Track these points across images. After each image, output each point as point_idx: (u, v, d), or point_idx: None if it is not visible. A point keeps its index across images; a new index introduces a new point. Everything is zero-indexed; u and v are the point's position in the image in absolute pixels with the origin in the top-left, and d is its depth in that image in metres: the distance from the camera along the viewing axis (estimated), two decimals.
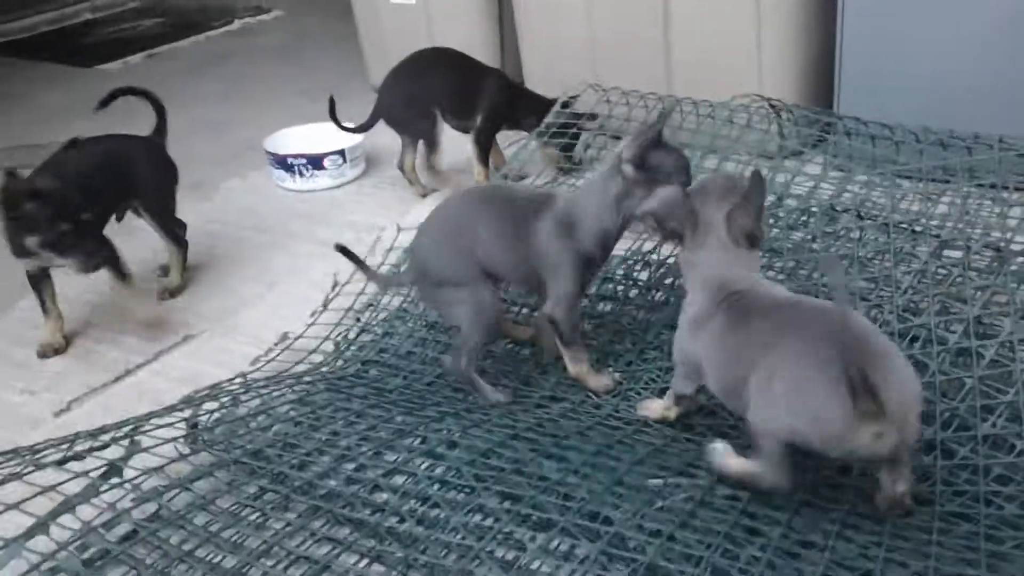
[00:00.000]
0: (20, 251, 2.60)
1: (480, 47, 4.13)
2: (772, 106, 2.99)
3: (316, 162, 3.59)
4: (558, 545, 1.73)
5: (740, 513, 1.76)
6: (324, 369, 2.45)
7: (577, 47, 3.72)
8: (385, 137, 3.46)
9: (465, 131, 3.45)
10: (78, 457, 1.95)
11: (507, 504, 1.82)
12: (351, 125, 3.44)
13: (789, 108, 3.00)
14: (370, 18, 4.43)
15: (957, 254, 2.24)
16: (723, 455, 1.84)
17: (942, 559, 1.62)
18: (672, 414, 2.10)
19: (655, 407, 2.13)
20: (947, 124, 2.72)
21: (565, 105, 3.31)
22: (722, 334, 1.85)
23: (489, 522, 1.80)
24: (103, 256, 2.68)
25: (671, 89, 3.45)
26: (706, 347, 1.89)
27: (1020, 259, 2.17)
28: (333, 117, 3.39)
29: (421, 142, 3.38)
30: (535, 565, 1.69)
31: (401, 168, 3.46)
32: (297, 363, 2.47)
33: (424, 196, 3.44)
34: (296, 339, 2.57)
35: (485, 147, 3.43)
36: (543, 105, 3.42)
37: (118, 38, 6.09)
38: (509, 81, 3.54)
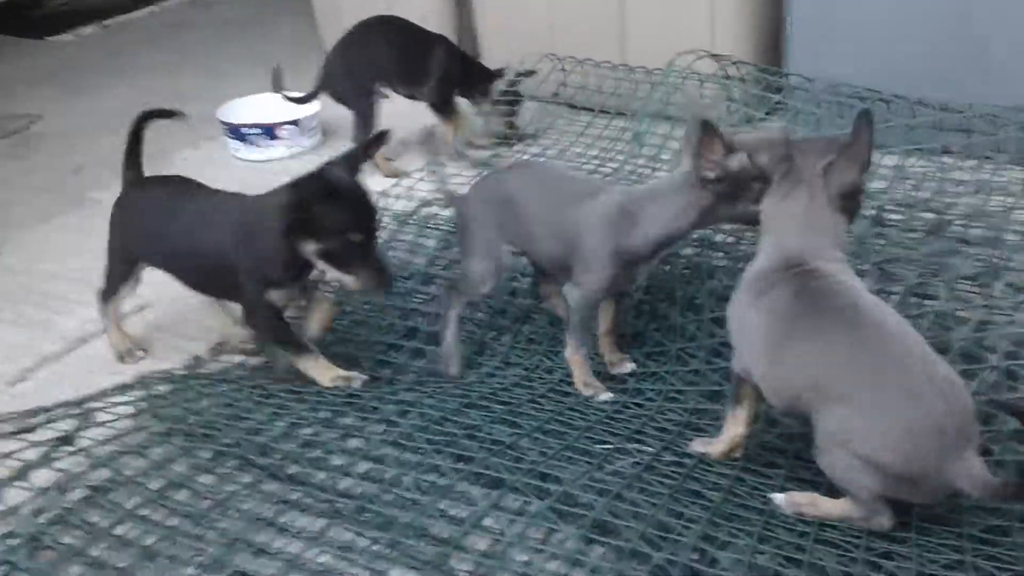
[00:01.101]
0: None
1: (436, 17, 4.13)
2: (717, 60, 3.03)
3: (270, 132, 3.59)
4: (511, 503, 1.76)
5: (685, 478, 1.80)
6: None
7: (533, 17, 3.74)
8: (341, 107, 3.46)
9: (414, 98, 3.45)
10: (30, 429, 1.97)
11: (460, 465, 1.86)
12: (295, 95, 3.44)
13: (734, 63, 3.04)
14: None
15: (899, 217, 2.28)
16: (802, 502, 1.71)
17: None
18: (741, 427, 1.83)
19: (718, 443, 1.87)
20: (892, 88, 2.77)
21: (513, 82, 3.34)
22: (784, 312, 1.68)
23: (443, 482, 1.83)
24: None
25: (625, 58, 3.49)
26: (762, 319, 1.71)
27: (958, 223, 2.22)
28: (277, 87, 3.40)
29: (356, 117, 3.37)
30: (487, 521, 1.72)
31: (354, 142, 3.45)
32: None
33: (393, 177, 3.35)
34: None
35: (444, 109, 3.44)
36: (488, 75, 3.44)
37: (70, 10, 6.02)
38: (456, 48, 3.55)
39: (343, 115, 3.48)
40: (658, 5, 3.45)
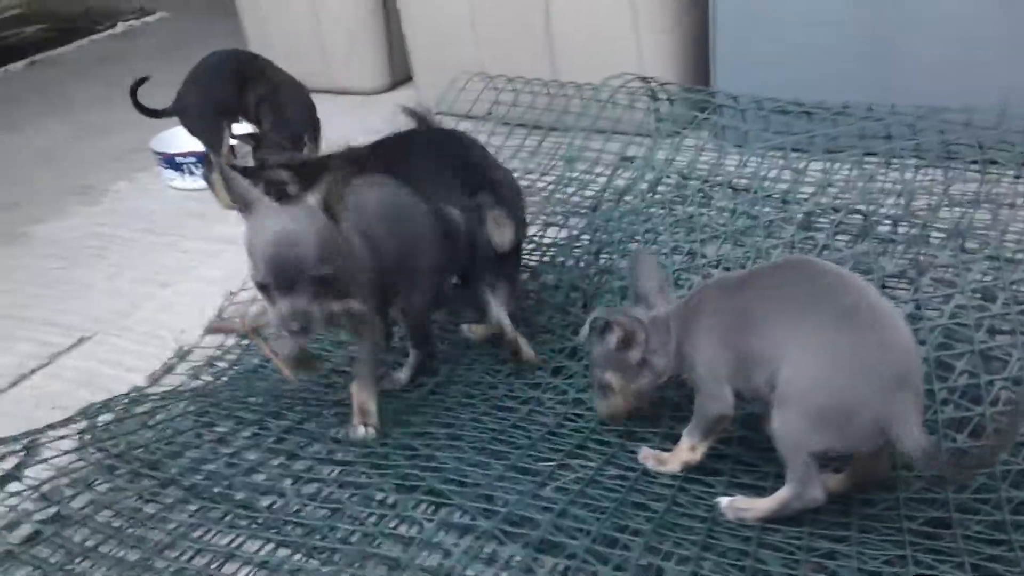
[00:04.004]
0: None
1: (365, 39, 4.17)
2: (645, 83, 3.08)
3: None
4: (457, 519, 1.77)
5: (628, 491, 1.81)
6: (221, 375, 2.47)
7: (461, 34, 3.77)
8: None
9: None
10: None
11: (407, 486, 1.86)
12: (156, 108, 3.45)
13: (663, 86, 3.10)
14: (254, 13, 4.43)
15: (826, 222, 2.34)
16: (743, 507, 1.74)
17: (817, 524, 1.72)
18: (697, 456, 1.86)
19: (671, 462, 1.88)
20: (819, 95, 2.84)
21: None
22: (721, 300, 1.77)
23: (387, 507, 1.83)
24: None
25: (555, 74, 3.53)
26: (707, 321, 1.77)
27: (885, 223, 2.28)
28: (134, 100, 3.42)
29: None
30: (436, 539, 1.71)
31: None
32: (194, 375, 2.48)
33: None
34: (190, 351, 2.58)
35: None
36: None
37: None
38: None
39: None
40: (583, 24, 3.50)
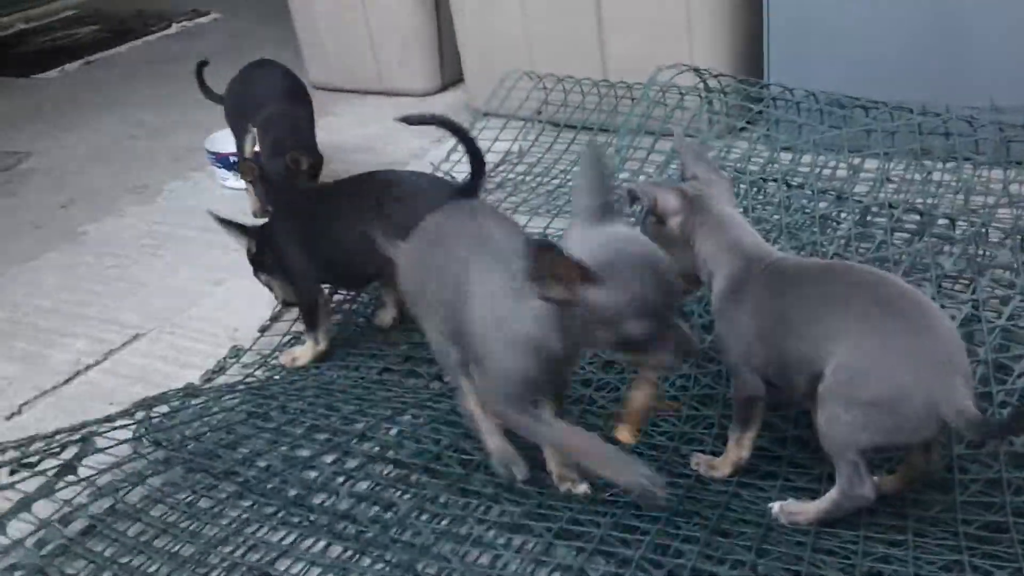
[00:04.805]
0: None
1: (417, 42, 4.18)
2: (698, 74, 3.06)
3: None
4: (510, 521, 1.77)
5: (682, 499, 1.79)
6: (275, 372, 2.49)
7: (512, 38, 3.76)
8: (324, 132, 3.48)
9: None
10: (30, 459, 1.98)
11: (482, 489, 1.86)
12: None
13: (714, 76, 3.08)
14: (307, 16, 4.46)
15: (883, 220, 2.30)
16: (794, 511, 1.71)
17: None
18: (745, 451, 1.83)
19: (722, 465, 1.86)
20: (872, 93, 2.81)
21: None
22: (765, 299, 1.71)
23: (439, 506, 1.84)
24: None
25: (606, 74, 3.52)
26: (749, 316, 1.72)
27: (942, 221, 2.24)
28: (200, 80, 3.53)
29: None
30: (512, 567, 1.68)
31: None
32: (248, 374, 2.49)
33: None
34: (244, 349, 2.60)
35: None
36: None
37: (55, 46, 6.05)
38: None
39: (329, 140, 3.50)
40: (636, 19, 3.47)
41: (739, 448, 1.83)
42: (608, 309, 1.47)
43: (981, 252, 2.14)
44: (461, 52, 4.04)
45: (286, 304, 2.62)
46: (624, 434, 1.64)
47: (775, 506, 1.74)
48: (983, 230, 2.16)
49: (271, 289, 2.58)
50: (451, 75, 4.31)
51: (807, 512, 1.70)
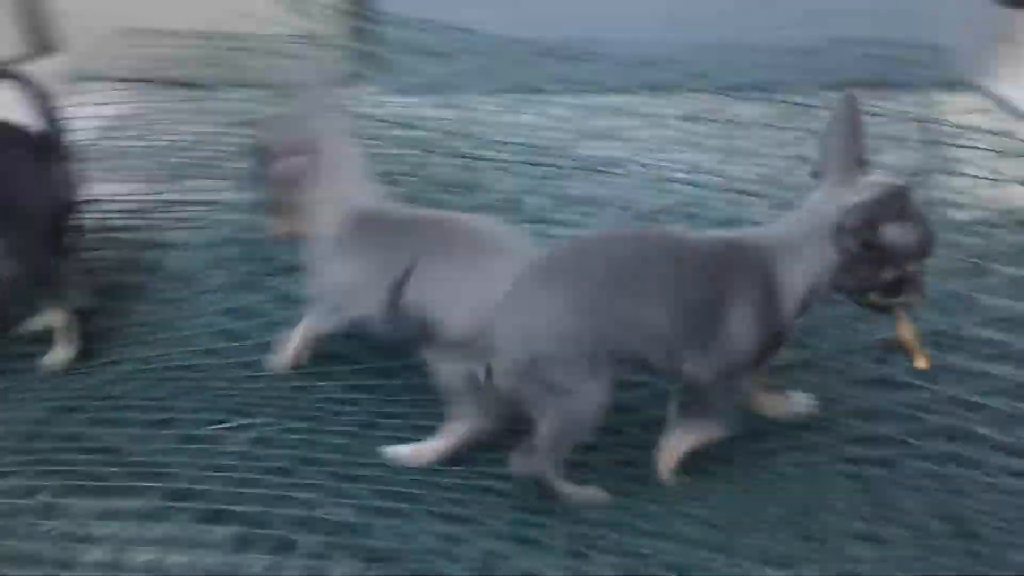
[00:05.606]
0: None
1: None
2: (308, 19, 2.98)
3: None
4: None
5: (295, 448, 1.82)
6: None
7: None
8: None
9: None
10: None
11: None
12: None
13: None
14: None
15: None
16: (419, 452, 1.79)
17: None
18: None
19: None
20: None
21: None
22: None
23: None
24: None
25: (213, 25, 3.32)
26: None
27: None
28: None
29: None
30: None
31: None
32: None
33: None
34: None
35: None
36: None
37: None
38: None
39: None
40: None
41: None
42: (909, 248, 1.55)
43: None
44: (56, 15, 3.73)
45: None
46: (923, 361, 1.71)
47: (388, 451, 1.79)
48: None
49: None
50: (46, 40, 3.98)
51: (420, 454, 1.78)
